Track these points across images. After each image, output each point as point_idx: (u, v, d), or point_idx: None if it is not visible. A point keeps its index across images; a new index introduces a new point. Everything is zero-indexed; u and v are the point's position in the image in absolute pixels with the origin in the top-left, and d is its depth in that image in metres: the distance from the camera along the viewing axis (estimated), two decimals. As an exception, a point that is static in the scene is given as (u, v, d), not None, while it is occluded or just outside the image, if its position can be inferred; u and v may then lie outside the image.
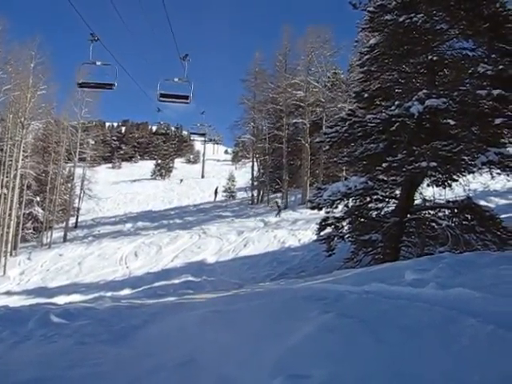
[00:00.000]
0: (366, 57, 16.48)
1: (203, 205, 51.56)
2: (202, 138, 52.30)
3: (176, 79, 16.11)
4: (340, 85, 40.80)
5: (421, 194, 16.59)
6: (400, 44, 15.29)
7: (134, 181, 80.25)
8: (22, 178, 38.77)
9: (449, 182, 14.34)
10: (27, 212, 43.04)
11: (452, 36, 15.13)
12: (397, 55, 15.62)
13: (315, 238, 17.98)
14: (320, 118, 39.52)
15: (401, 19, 14.45)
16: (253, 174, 49.37)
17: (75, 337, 5.93)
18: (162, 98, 16.85)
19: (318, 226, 17.06)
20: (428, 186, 15.60)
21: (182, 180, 55.30)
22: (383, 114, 14.48)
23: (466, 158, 13.83)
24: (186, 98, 16.33)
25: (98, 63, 15.19)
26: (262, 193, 48.05)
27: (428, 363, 2.89)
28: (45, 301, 15.06)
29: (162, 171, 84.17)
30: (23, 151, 37.24)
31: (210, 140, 63.04)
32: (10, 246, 35.14)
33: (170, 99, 17.10)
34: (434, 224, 15.66)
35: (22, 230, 40.81)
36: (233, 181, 57.63)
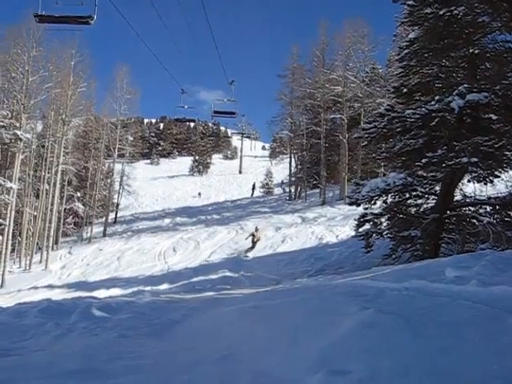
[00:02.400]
0: (406, 51, 16.29)
1: (240, 200, 51.69)
2: (240, 133, 52.75)
3: (225, 99, 19.50)
4: (378, 80, 40.37)
5: (461, 190, 16.34)
6: (440, 38, 15.06)
7: (172, 177, 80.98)
8: (63, 173, 39.55)
9: (490, 177, 14.07)
10: (68, 207, 43.89)
11: (494, 29, 14.80)
12: (437, 49, 15.39)
13: (353, 234, 17.89)
14: (358, 113, 39.20)
15: (441, 12, 14.22)
16: (290, 170, 49.29)
17: (116, 330, 6.05)
18: (215, 114, 20.62)
19: (356, 223, 16.95)
20: (469, 181, 15.36)
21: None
22: (423, 109, 14.27)
23: (508, 153, 13.59)
24: (233, 113, 19.73)
25: None
26: (299, 189, 47.93)
27: (468, 360, 2.85)
28: (86, 294, 15.32)
29: (200, 167, 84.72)
30: (64, 148, 37.94)
31: (248, 136, 63.30)
32: (51, 240, 35.87)
33: (221, 115, 20.65)
34: (474, 221, 15.40)
35: (63, 224, 41.66)
36: (270, 177, 57.68)
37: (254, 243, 26.14)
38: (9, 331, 6.39)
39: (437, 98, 14.18)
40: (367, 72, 41.31)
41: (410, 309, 4.19)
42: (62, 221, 40.57)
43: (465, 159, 13.02)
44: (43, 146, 38.33)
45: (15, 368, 4.26)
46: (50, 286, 24.91)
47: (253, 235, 26.41)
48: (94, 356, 4.67)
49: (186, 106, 21.21)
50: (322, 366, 3.01)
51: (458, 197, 16.17)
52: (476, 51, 14.56)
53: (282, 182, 56.17)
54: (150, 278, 23.33)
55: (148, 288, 18.86)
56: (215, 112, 20.35)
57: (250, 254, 25.38)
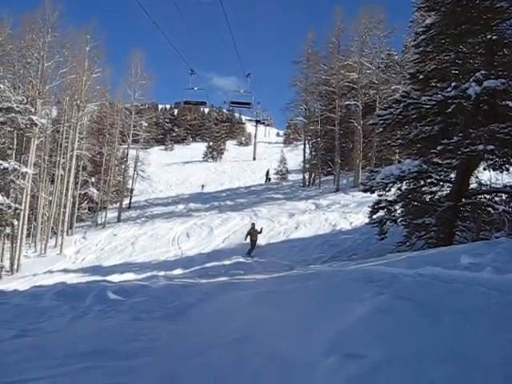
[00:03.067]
0: (422, 37, 16.13)
1: (254, 187, 51.71)
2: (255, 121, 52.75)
3: (242, 91, 20.30)
4: (394, 66, 40.05)
5: (477, 177, 16.23)
6: (457, 23, 14.89)
7: (186, 163, 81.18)
8: (78, 159, 39.80)
9: (506, 165, 13.98)
10: (83, 192, 44.22)
11: (513, 14, 14.62)
12: (454, 35, 15.22)
13: (367, 221, 17.82)
14: (373, 100, 38.92)
15: (459, -3, 14.07)
16: (304, 157, 49.12)
17: (131, 313, 6.11)
18: (232, 105, 21.48)
19: (370, 209, 16.88)
20: (484, 169, 15.25)
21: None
22: (439, 96, 14.15)
23: (525, 140, 13.43)
24: (249, 104, 20.43)
25: None
26: (313, 175, 47.83)
27: (482, 347, 2.85)
28: (100, 279, 15.45)
29: (214, 153, 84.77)
30: (79, 133, 38.16)
31: (263, 123, 63.15)
32: (66, 225, 36.20)
33: (237, 105, 21.66)
34: (490, 209, 15.30)
35: (78, 209, 41.97)
36: (284, 163, 57.60)
37: (253, 242, 23.54)
38: (25, 313, 6.48)
39: (453, 84, 14.03)
40: (383, 58, 40.99)
41: (424, 295, 4.18)
42: (76, 206, 40.86)
43: (481, 146, 12.90)
44: (58, 132, 38.53)
45: (32, 348, 4.32)
46: (65, 271, 25.15)
47: (249, 234, 23.77)
48: (108, 338, 4.73)
49: (195, 88, 20.58)
50: (336, 350, 3.03)
51: (473, 184, 16.06)
52: (494, 37, 14.37)
53: (287, 171, 56.35)
54: (163, 263, 23.48)
55: (162, 273, 19.01)
56: (232, 102, 20.87)
57: (255, 251, 23.14)
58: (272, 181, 55.28)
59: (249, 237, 23.71)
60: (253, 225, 24.84)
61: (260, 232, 24.05)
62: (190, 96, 20.68)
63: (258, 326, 4.49)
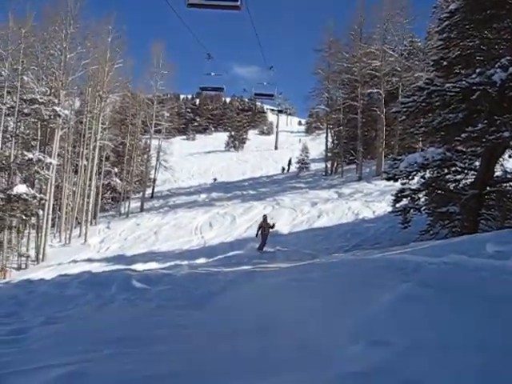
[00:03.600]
0: (446, 23, 15.94)
1: (276, 176, 51.66)
2: (277, 111, 52.80)
3: (265, 83, 21.00)
4: (417, 53, 39.64)
5: (502, 165, 16.04)
6: (482, 8, 14.67)
7: (208, 152, 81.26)
8: (101, 149, 40.13)
9: (533, 153, 13.81)
10: (106, 182, 44.58)
11: (540, -2, 14.35)
12: (479, 20, 15.01)
13: (390, 209, 17.74)
14: (396, 87, 38.56)
15: (484, -19, 13.86)
16: (327, 145, 48.87)
17: (156, 301, 6.18)
18: (255, 96, 24.35)
19: (393, 198, 16.79)
20: (510, 157, 15.09)
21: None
22: (463, 83, 13.98)
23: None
24: (272, 95, 21.33)
25: None
26: (336, 164, 47.62)
27: (510, 335, 2.82)
28: (124, 268, 15.57)
29: (236, 143, 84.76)
30: (101, 123, 38.44)
31: (285, 112, 62.90)
32: (90, 215, 36.56)
33: (261, 96, 22.84)
34: (515, 197, 15.15)
35: (101, 199, 42.36)
36: (306, 152, 57.38)
37: (264, 236, 21.12)
38: (52, 301, 6.59)
39: (478, 70, 13.85)
40: (405, 45, 40.55)
41: (449, 283, 4.16)
42: (100, 196, 41.22)
43: (506, 134, 12.75)
44: (81, 122, 38.85)
45: (59, 335, 4.39)
46: (89, 260, 25.38)
47: (261, 227, 21.38)
48: (133, 325, 4.80)
49: (212, 73, 19.26)
50: (362, 337, 3.03)
51: (498, 172, 15.88)
52: (520, 22, 14.18)
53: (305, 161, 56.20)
54: (186, 253, 23.57)
55: (185, 262, 19.08)
56: (256, 94, 21.95)
57: (266, 248, 20.96)
58: (290, 170, 55.16)
59: (260, 230, 21.34)
60: (264, 217, 22.33)
61: (272, 226, 21.71)
62: (207, 82, 19.96)
63: (282, 314, 4.50)
